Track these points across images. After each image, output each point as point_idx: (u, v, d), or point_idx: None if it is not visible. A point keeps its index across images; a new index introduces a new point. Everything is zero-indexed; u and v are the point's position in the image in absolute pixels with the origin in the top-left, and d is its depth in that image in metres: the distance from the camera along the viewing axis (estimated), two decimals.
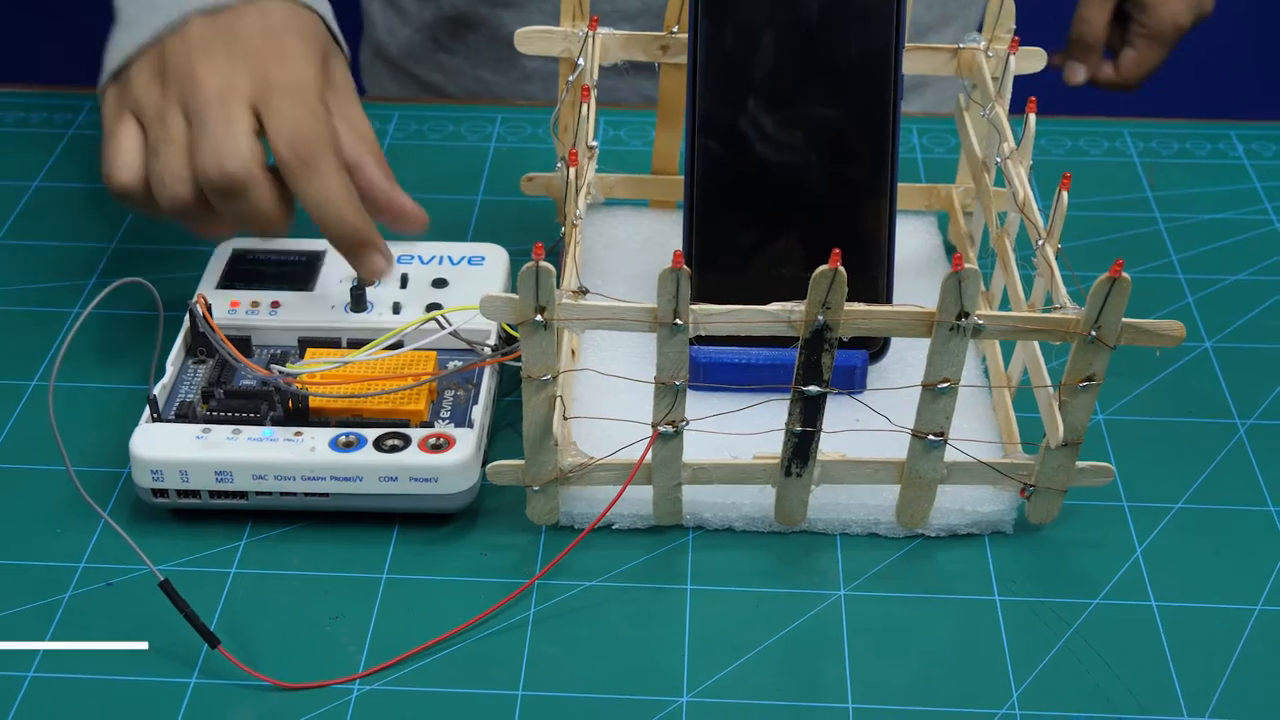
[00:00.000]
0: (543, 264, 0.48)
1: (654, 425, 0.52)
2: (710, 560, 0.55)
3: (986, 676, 0.50)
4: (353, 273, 0.62)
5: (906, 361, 0.59)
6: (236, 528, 0.55)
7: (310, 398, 0.55)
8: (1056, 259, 0.52)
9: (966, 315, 0.49)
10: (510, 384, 0.61)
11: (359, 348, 0.59)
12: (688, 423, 0.52)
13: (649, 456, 0.52)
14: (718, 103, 0.58)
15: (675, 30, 0.63)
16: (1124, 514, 0.56)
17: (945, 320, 0.49)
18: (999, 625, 0.52)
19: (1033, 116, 0.56)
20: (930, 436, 0.52)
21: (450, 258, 0.64)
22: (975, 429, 0.57)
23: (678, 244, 0.67)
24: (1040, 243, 0.53)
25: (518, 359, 0.57)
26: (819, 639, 0.51)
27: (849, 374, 0.57)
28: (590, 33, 0.61)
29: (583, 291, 0.50)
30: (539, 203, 0.72)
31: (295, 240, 0.64)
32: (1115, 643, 0.51)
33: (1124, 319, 0.49)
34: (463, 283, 0.62)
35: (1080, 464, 0.53)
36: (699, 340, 0.56)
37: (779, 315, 0.49)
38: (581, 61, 0.61)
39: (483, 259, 0.64)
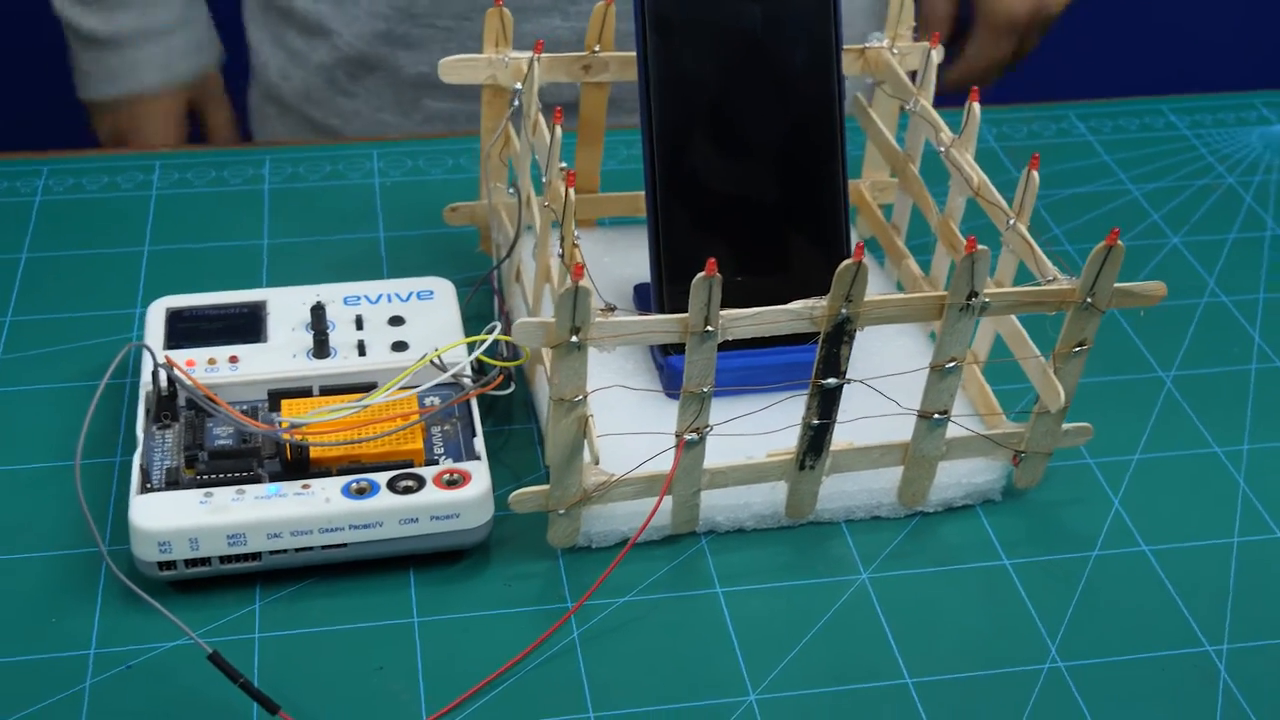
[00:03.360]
0: (581, 285, 0.48)
1: (678, 434, 0.52)
2: (731, 562, 0.55)
3: (1022, 635, 0.53)
4: (304, 319, 0.61)
5: (868, 351, 0.61)
6: (245, 591, 0.53)
7: (311, 448, 0.54)
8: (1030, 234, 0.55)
9: (975, 294, 0.51)
10: (482, 417, 0.60)
11: (332, 394, 0.57)
12: (711, 428, 0.52)
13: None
14: (673, 116, 0.59)
15: (597, 49, 0.64)
16: (1093, 471, 0.60)
17: (956, 301, 0.51)
18: (1017, 587, 0.55)
19: (976, 105, 0.59)
20: (936, 415, 0.54)
21: (399, 294, 0.63)
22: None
23: (608, 260, 0.68)
24: (1011, 222, 0.56)
25: (497, 387, 0.58)
26: (858, 623, 0.53)
27: None
28: (535, 57, 0.61)
29: (611, 309, 0.50)
30: (448, 234, 0.71)
31: (229, 293, 0.62)
32: (1124, 588, 0.55)
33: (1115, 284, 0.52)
34: (419, 317, 0.61)
35: (1064, 426, 0.56)
36: (675, 350, 0.57)
37: (800, 313, 0.50)
38: (519, 85, 0.61)
39: (431, 293, 0.63)
